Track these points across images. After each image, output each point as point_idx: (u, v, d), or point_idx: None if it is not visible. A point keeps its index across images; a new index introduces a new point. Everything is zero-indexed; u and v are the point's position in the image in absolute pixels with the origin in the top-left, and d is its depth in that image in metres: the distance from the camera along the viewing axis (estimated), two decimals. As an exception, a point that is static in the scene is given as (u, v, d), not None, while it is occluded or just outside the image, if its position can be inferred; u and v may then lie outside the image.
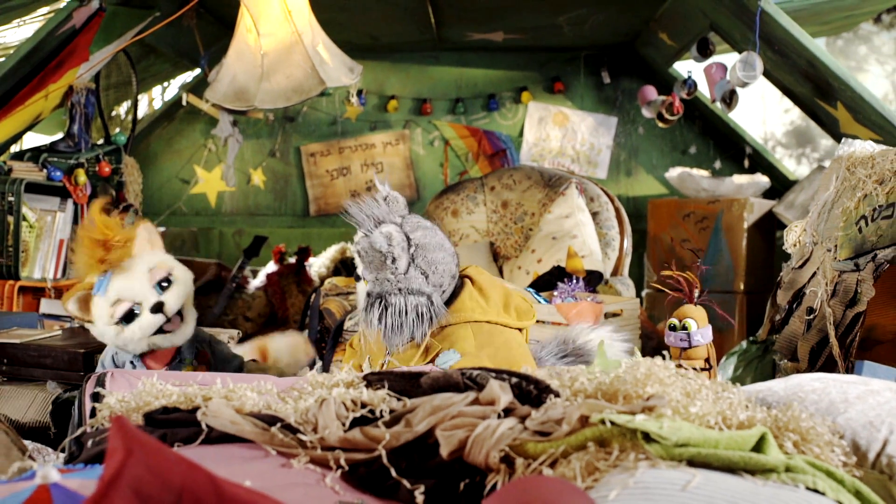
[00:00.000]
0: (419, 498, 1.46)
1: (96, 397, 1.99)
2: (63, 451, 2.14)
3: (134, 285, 2.81)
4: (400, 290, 2.60)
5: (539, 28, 5.65)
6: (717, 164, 6.12)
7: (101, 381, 2.08)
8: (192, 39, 5.14)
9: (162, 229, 5.98)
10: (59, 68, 4.19)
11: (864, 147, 3.17)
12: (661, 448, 1.40)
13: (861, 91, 3.93)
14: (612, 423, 1.45)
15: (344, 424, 1.64)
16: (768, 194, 5.61)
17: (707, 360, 2.96)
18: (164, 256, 2.93)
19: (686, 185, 5.55)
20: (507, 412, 1.61)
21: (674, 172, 5.65)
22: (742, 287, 5.20)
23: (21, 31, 4.46)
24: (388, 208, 2.68)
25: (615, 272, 4.68)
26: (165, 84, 6.28)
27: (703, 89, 5.10)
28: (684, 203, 5.45)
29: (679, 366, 2.86)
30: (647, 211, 5.63)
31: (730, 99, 4.39)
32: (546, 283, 4.05)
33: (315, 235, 6.25)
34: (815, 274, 3.07)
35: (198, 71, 5.93)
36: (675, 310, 2.98)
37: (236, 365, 3.13)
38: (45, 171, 4.35)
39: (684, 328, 2.92)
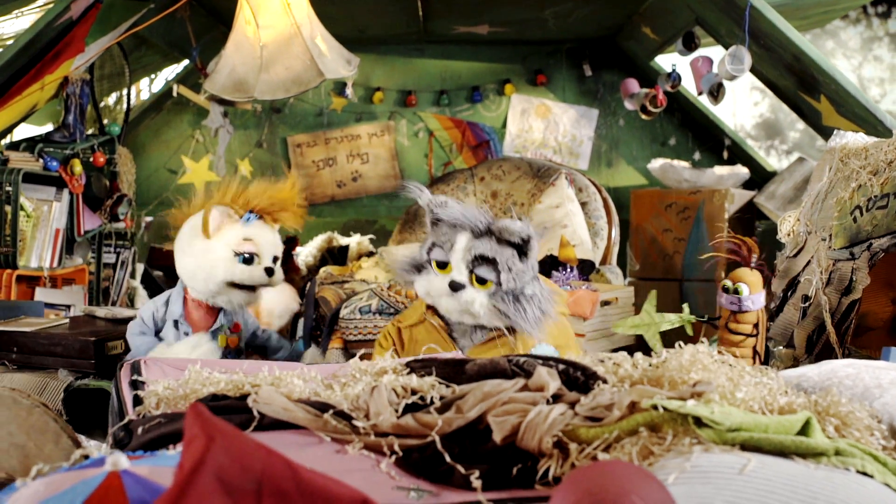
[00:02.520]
0: (476, 483, 1.48)
1: (135, 385, 2.02)
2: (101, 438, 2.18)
3: (269, 241, 3.11)
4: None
5: (524, 21, 5.70)
6: (697, 156, 6.21)
7: (136, 369, 2.11)
8: (183, 31, 5.14)
9: (149, 219, 6.01)
10: (56, 59, 4.19)
11: (855, 139, 3.26)
12: (713, 433, 1.44)
13: (846, 84, 4.02)
14: (665, 408, 1.48)
15: (397, 411, 1.67)
16: (746, 185, 5.71)
17: (756, 326, 3.00)
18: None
19: (668, 175, 5.63)
20: (556, 398, 1.64)
21: (656, 164, 5.72)
22: (723, 276, 5.28)
23: (19, 23, 4.47)
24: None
25: (603, 261, 4.76)
26: (153, 76, 6.27)
27: (686, 82, 5.19)
28: (666, 193, 5.52)
29: (728, 330, 2.94)
30: (630, 201, 5.69)
31: (717, 92, 4.48)
32: (540, 271, 4.12)
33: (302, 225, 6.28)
34: (809, 262, 3.12)
35: (186, 62, 5.94)
36: (730, 272, 3.03)
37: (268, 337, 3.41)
38: (41, 161, 4.36)
39: (736, 291, 2.97)
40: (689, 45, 4.83)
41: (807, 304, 3.08)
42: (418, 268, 2.72)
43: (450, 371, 1.84)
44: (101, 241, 4.87)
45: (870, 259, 2.85)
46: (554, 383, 1.66)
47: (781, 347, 3.22)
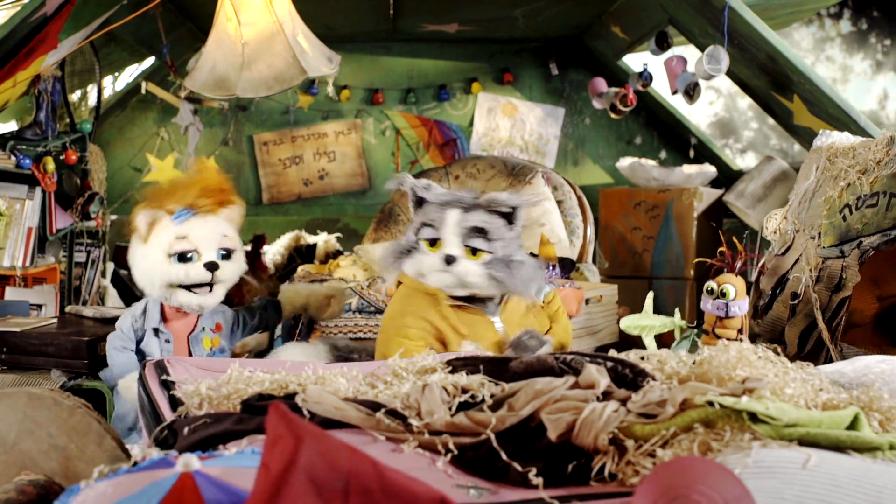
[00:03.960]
0: (535, 480, 1.47)
1: (166, 385, 2.00)
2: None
3: (206, 235, 2.96)
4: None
5: (493, 20, 5.72)
6: (663, 155, 6.29)
7: (163, 369, 2.09)
8: (153, 28, 5.07)
9: (114, 217, 5.92)
10: (29, 56, 4.12)
11: (842, 138, 3.32)
12: (769, 428, 1.45)
13: (820, 84, 4.09)
14: (720, 404, 1.48)
15: (450, 409, 1.67)
16: (711, 184, 5.78)
17: (740, 332, 3.00)
18: (236, 235, 3.10)
19: (637, 174, 5.67)
20: (606, 396, 1.64)
21: (624, 162, 5.76)
22: (692, 273, 5.34)
23: (-8, 18, 4.38)
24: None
25: (579, 259, 4.78)
26: (117, 73, 6.18)
27: (657, 82, 5.24)
28: (635, 192, 5.57)
29: (714, 335, 2.95)
30: (599, 200, 5.72)
31: (693, 91, 4.53)
32: (521, 270, 4.13)
33: (267, 224, 6.24)
34: (797, 260, 3.16)
35: (152, 59, 5.88)
36: (716, 276, 3.04)
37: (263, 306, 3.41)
38: (13, 158, 4.27)
39: (723, 294, 2.97)
40: (662, 44, 4.87)
41: (795, 301, 3.11)
42: (405, 252, 2.81)
43: (494, 368, 1.84)
44: (73, 240, 4.79)
45: (860, 257, 2.90)
46: (604, 381, 1.67)
47: (768, 345, 3.25)
